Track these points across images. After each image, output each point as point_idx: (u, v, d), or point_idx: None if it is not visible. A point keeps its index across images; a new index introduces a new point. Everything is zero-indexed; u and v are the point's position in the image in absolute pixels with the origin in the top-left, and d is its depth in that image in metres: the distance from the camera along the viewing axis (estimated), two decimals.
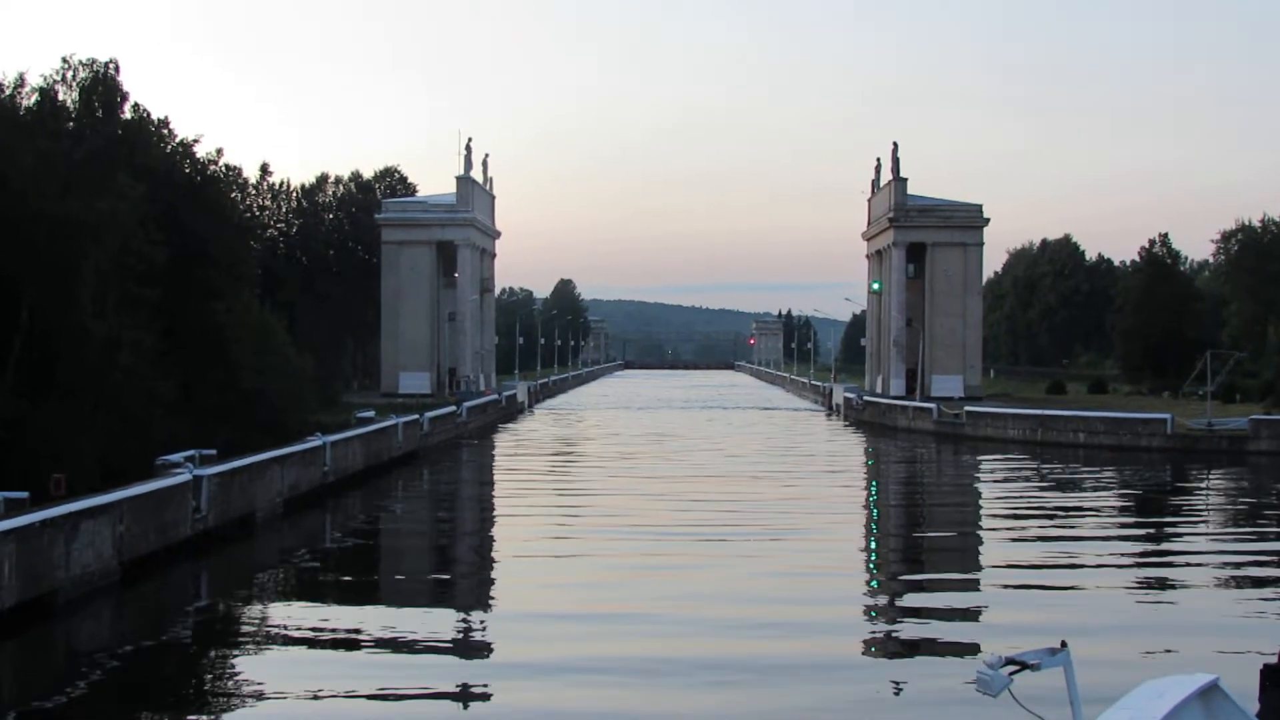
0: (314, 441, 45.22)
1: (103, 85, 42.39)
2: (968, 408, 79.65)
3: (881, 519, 43.19)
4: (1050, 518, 41.99)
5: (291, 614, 27.10)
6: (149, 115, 45.51)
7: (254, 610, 28.05)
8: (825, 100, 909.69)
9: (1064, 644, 9.17)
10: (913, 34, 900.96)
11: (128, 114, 44.56)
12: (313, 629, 25.43)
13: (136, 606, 27.84)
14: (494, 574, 32.19)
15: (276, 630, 25.76)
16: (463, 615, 26.76)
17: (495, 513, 44.70)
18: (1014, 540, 36.57)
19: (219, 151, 60.86)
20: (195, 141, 59.35)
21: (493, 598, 29.12)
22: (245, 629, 26.25)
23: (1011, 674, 8.76)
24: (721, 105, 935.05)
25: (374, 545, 38.31)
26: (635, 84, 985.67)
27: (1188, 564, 33.59)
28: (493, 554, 35.37)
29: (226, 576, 31.97)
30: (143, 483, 30.20)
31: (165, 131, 60.50)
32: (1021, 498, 47.78)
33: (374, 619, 26.08)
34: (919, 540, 38.40)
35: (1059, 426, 70.72)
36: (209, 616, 27.64)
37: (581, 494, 48.66)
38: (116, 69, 42.90)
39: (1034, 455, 64.90)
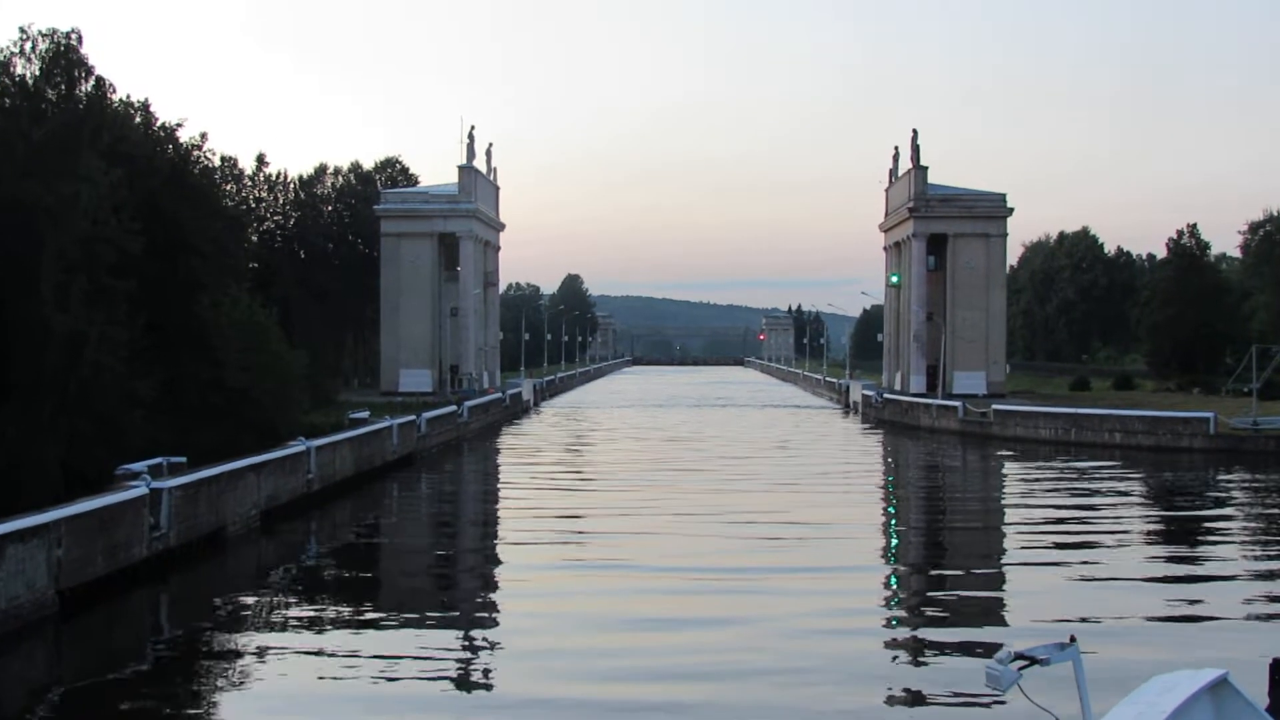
0: (296, 447, 41.53)
1: (64, 58, 38.70)
2: (995, 406, 75.72)
3: (915, 546, 37.22)
4: (1091, 527, 38.53)
5: (262, 647, 23.48)
6: (115, 89, 41.92)
7: (218, 643, 24.28)
8: (834, 94, 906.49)
9: (1073, 639, 9.14)
10: (921, 29, 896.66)
11: (93, 89, 40.72)
12: (288, 663, 22.10)
13: (77, 643, 24.16)
14: (496, 612, 26.99)
15: (244, 666, 22.29)
16: (461, 661, 22.85)
17: (496, 536, 38.92)
18: (1068, 579, 30.73)
19: (203, 136, 57.40)
20: (178, 126, 56.11)
21: (496, 643, 25.11)
22: (207, 666, 22.61)
23: (1021, 669, 8.71)
24: (732, 98, 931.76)
25: (360, 564, 34.11)
26: (643, 76, 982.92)
27: (1210, 564, 32.53)
28: (494, 589, 29.78)
29: (188, 603, 28.24)
30: (87, 498, 26.56)
31: (146, 115, 57.39)
32: (1068, 510, 43.24)
33: (362, 651, 22.66)
34: (963, 579, 31.35)
35: (1093, 426, 66.85)
36: (164, 653, 23.95)
37: (590, 509, 43.17)
38: (79, 40, 39.21)
39: (1068, 456, 61.15)
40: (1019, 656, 8.89)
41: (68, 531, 24.57)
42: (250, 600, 28.22)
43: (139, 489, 28.29)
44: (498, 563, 33.42)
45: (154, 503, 28.97)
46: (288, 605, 27.62)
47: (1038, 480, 52.30)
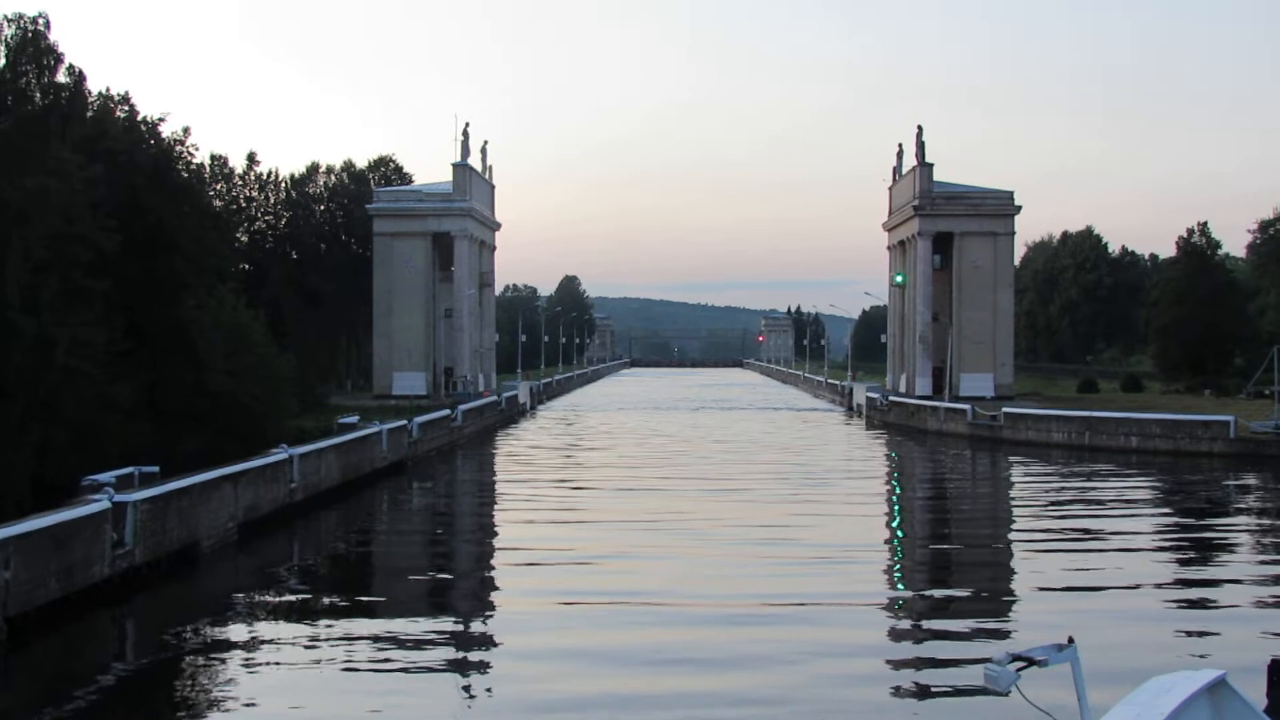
0: (277, 454, 39.31)
1: (32, 46, 36.58)
2: (1006, 409, 73.53)
3: (928, 575, 32.91)
4: (1115, 548, 35.83)
5: (236, 675, 21.48)
6: (86, 78, 39.56)
7: (187, 671, 22.16)
8: (834, 93, 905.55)
9: (1071, 640, 9.19)
10: (923, 27, 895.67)
11: (65, 79, 38.59)
12: (264, 693, 20.13)
13: (28, 674, 22.03)
14: (491, 656, 23.40)
15: (216, 697, 20.31)
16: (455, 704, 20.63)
17: (490, 555, 35.35)
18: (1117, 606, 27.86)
19: (186, 130, 55.30)
20: (161, 120, 54.07)
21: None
22: (174, 697, 20.61)
23: (1019, 670, 8.79)
24: (731, 98, 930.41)
25: (346, 581, 31.76)
26: (641, 76, 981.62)
27: (1217, 565, 32.55)
28: (489, 633, 25.47)
29: (155, 627, 26.02)
30: (40, 514, 24.38)
31: (129, 109, 55.41)
32: (1087, 531, 40.12)
33: (347, 681, 20.65)
34: (974, 625, 27.40)
35: (1109, 430, 64.72)
36: (126, 683, 21.79)
37: (589, 524, 39.99)
38: (47, 25, 37.11)
39: (1084, 462, 59.05)
40: (1017, 657, 8.88)
41: (16, 551, 22.39)
42: (224, 623, 25.97)
43: (100, 503, 26.10)
44: (492, 596, 29.31)
45: (117, 517, 26.77)
46: (265, 628, 25.33)
47: (1055, 491, 49.49)
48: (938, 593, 29.91)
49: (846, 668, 21.74)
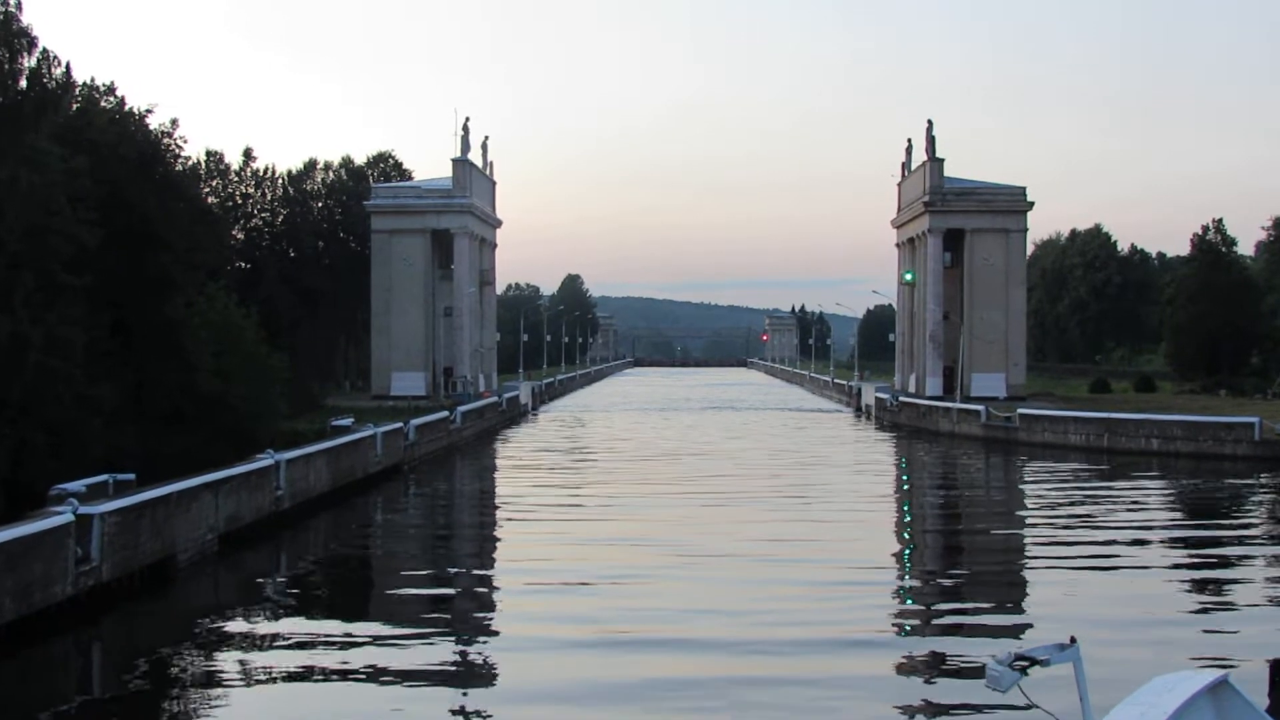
0: (263, 460, 37.28)
1: (2, 30, 34.55)
2: (1021, 410, 71.42)
3: (948, 607, 28.77)
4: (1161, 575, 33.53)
5: (215, 703, 19.62)
6: (60, 62, 37.47)
7: (158, 700, 20.20)
8: (838, 90, 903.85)
9: (1073, 639, 9.06)
10: (928, 22, 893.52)
11: (39, 64, 36.51)
12: None
13: None
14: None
15: None
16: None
17: (489, 584, 31.18)
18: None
19: (174, 122, 53.32)
20: (148, 112, 52.22)
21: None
22: None
23: (1022, 670, 8.64)
24: (734, 95, 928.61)
25: (335, 595, 29.73)
26: (644, 75, 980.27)
27: (1224, 566, 32.37)
28: (490, 677, 22.05)
29: (124, 650, 24.05)
30: None
31: (116, 100, 53.59)
32: (1119, 543, 38.13)
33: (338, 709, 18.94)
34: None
35: (1128, 431, 62.68)
36: (91, 715, 19.85)
37: (594, 544, 36.20)
38: (19, 6, 35.02)
39: (1104, 465, 56.99)
40: (1020, 657, 8.75)
41: None
42: (200, 645, 23.90)
43: (63, 515, 24.09)
44: (487, 642, 24.59)
45: (82, 530, 24.75)
46: (245, 651, 23.21)
47: (1081, 502, 46.32)
48: (954, 645, 24.08)
49: None
